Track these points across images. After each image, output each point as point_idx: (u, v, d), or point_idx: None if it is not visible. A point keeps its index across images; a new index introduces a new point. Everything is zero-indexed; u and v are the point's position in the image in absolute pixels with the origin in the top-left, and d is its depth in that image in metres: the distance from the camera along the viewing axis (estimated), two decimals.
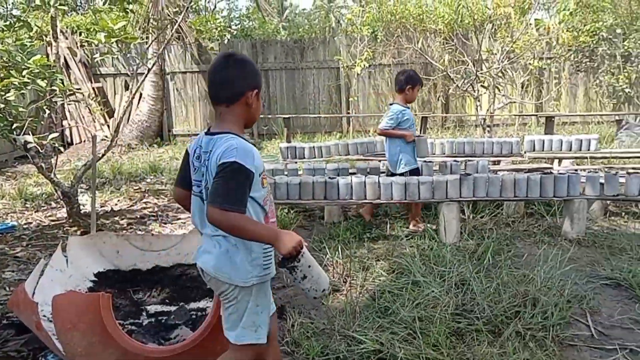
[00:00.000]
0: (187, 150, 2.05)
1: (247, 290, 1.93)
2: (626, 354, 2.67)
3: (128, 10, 5.49)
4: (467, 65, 10.24)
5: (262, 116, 11.12)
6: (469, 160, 5.44)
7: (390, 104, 4.82)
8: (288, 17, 32.19)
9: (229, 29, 12.09)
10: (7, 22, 4.88)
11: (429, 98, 11.69)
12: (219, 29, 11.58)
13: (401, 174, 4.68)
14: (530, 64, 10.13)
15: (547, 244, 4.27)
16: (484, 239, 4.16)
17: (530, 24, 10.23)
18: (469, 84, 9.66)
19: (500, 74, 9.60)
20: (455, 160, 5.31)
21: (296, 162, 6.04)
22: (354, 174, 5.14)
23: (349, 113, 11.70)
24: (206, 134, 1.96)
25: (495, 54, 10.09)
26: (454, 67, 10.77)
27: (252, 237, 1.82)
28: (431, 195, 4.47)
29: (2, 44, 4.76)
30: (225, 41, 11.87)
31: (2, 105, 4.54)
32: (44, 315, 2.71)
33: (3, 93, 4.43)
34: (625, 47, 10.34)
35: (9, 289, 3.71)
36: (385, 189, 4.53)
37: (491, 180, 4.51)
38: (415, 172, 4.76)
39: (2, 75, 4.47)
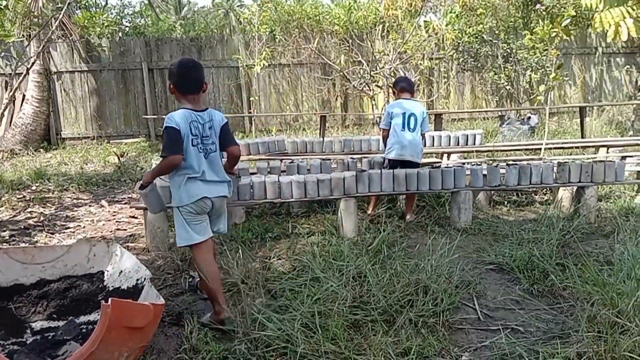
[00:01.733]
0: (177, 128, 2.87)
1: None
2: (508, 332, 2.90)
3: (1, 5, 5.07)
4: (363, 66, 10.59)
5: (156, 117, 10.74)
6: (365, 157, 5.62)
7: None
8: (186, 15, 31.33)
9: (120, 26, 11.52)
10: None
11: (329, 97, 11.92)
12: (107, 25, 11.00)
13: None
14: (420, 64, 10.67)
15: (438, 233, 4.53)
16: (379, 232, 4.31)
17: (420, 26, 10.77)
18: (364, 84, 9.99)
19: (393, 74, 10.01)
20: (352, 158, 5.47)
21: None
22: (254, 173, 5.13)
23: (250, 112, 11.63)
24: (196, 112, 2.99)
25: (388, 54, 10.53)
26: (350, 68, 11.07)
27: None
28: (330, 192, 4.57)
29: None
30: (117, 39, 11.32)
31: None
32: None
33: None
34: (504, 48, 11.21)
35: None
36: (286, 188, 4.56)
37: (385, 175, 4.70)
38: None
39: None
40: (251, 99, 11.65)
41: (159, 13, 16.69)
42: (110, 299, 2.25)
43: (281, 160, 6.17)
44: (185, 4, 34.16)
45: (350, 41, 11.37)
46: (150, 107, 11.21)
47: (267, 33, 11.52)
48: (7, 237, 4.81)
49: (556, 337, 2.81)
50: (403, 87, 5.06)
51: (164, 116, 10.71)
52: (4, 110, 5.49)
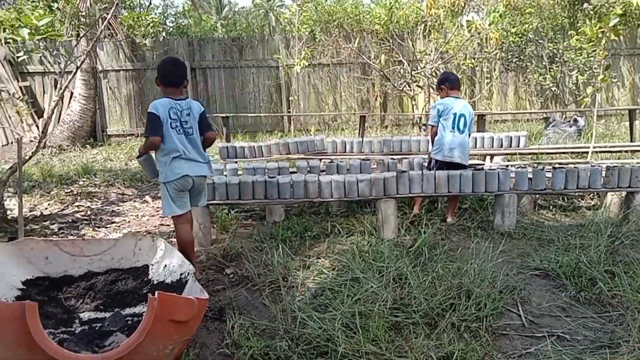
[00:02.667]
0: (156, 114, 3.43)
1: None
2: (554, 340, 2.82)
3: (53, 7, 5.25)
4: (403, 66, 10.51)
5: None
6: (405, 158, 5.57)
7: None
8: (227, 15, 31.79)
9: (164, 26, 11.78)
10: None
11: (368, 97, 11.88)
12: (152, 25, 11.25)
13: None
14: (463, 63, 10.50)
15: (480, 237, 4.44)
16: (420, 234, 4.27)
17: (462, 25, 10.60)
18: (404, 84, 9.91)
19: (434, 74, 9.89)
20: (392, 158, 5.43)
21: (236, 162, 5.98)
22: (294, 172, 5.16)
23: (289, 112, 11.70)
24: (175, 100, 3.54)
25: (429, 54, 10.41)
26: (390, 67, 11.00)
27: None
28: (369, 192, 4.55)
29: None
30: (161, 39, 11.57)
31: None
32: None
33: None
34: (550, 48, 10.92)
35: None
36: (325, 188, 4.57)
37: (426, 177, 4.64)
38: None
39: None
40: (290, 98, 11.72)
41: (201, 13, 16.97)
42: (156, 292, 2.29)
43: (320, 159, 6.19)
44: (226, 4, 34.67)
45: (390, 41, 11.29)
46: None
47: (307, 33, 11.56)
48: (56, 230, 4.98)
49: (605, 347, 2.72)
50: (453, 85, 4.93)
51: (207, 115, 10.94)
52: (54, 107, 5.68)
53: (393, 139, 6.56)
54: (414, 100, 10.31)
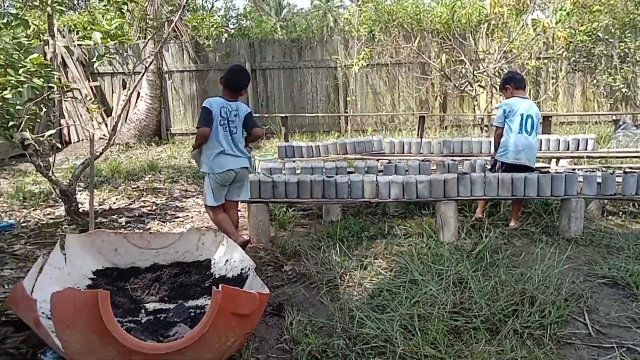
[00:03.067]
0: (209, 109, 3.88)
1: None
2: (623, 352, 2.69)
3: (123, 10, 5.49)
4: (465, 65, 10.29)
5: (258, 115, 11.16)
6: (466, 159, 5.45)
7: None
8: (286, 16, 32.22)
9: (226, 28, 12.08)
10: (5, 20, 4.86)
11: (427, 97, 11.71)
12: (215, 26, 11.56)
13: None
14: (527, 63, 10.16)
15: (545, 242, 4.29)
16: (481, 238, 4.17)
17: (527, 24, 10.26)
18: (466, 84, 9.70)
19: (497, 74, 9.63)
20: (452, 160, 5.33)
21: (294, 161, 6.05)
22: (352, 172, 5.16)
23: (346, 112, 11.71)
24: (228, 101, 3.98)
25: (492, 53, 10.13)
26: (451, 67, 10.80)
27: None
28: (429, 194, 4.49)
29: None
30: (223, 40, 11.86)
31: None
32: (43, 313, 2.70)
33: (0, 91, 4.42)
34: (622, 47, 10.38)
35: (8, 287, 3.71)
36: (383, 188, 4.54)
37: (488, 179, 4.53)
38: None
39: None
40: (348, 98, 11.73)
41: (261, 15, 17.28)
42: (220, 286, 2.36)
43: (378, 160, 6.16)
44: (285, 6, 35.14)
45: (452, 40, 11.08)
46: (252, 106, 11.62)
47: (367, 33, 11.53)
48: (124, 223, 5.21)
49: None
50: (518, 85, 4.78)
51: (265, 115, 11.12)
52: (124, 106, 5.95)
53: (453, 139, 6.43)
54: (476, 100, 10.06)
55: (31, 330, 2.80)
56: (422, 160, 5.29)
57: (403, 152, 6.53)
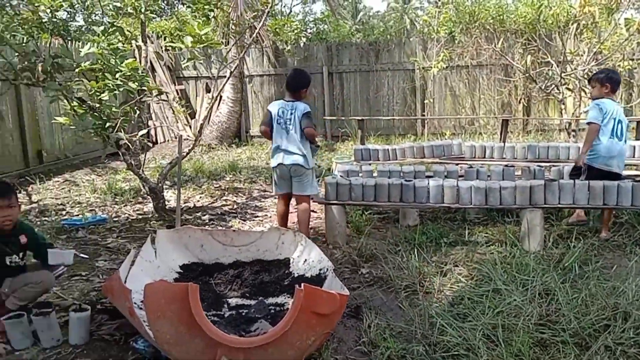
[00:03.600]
0: (268, 109, 4.50)
1: (310, 170, 4.43)
2: None
3: (209, 16, 5.73)
4: (551, 67, 9.82)
5: (334, 118, 11.23)
6: (554, 166, 5.20)
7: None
8: (362, 19, 32.23)
9: (305, 33, 12.25)
10: (102, 28, 5.22)
11: (510, 101, 11.28)
12: (295, 31, 11.76)
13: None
14: (619, 65, 9.53)
15: (639, 256, 4.00)
16: (569, 248, 3.96)
17: (619, 24, 9.63)
18: (552, 86, 9.26)
19: (586, 76, 9.11)
20: (539, 165, 5.10)
21: (370, 164, 6.03)
22: (430, 176, 5.07)
23: (423, 115, 11.52)
24: (286, 101, 4.40)
25: (581, 55, 9.60)
26: (536, 69, 10.35)
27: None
28: (513, 200, 4.32)
29: (97, 47, 5.11)
30: (301, 44, 12.05)
31: (97, 105, 4.86)
32: (135, 303, 2.87)
33: (98, 94, 4.75)
34: None
35: (102, 277, 3.97)
36: (465, 194, 4.42)
37: (578, 186, 4.29)
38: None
39: (97, 77, 4.79)
40: (425, 101, 11.53)
41: (337, 19, 17.38)
42: (302, 284, 2.40)
43: (457, 164, 6.02)
44: (361, 9, 35.15)
45: (537, 41, 10.62)
46: (328, 109, 11.73)
47: (446, 34, 11.30)
48: (207, 221, 5.43)
49: None
50: (615, 87, 4.52)
51: (342, 117, 11.15)
52: (210, 109, 6.20)
53: (539, 144, 6.15)
54: (563, 104, 9.58)
55: (124, 318, 2.98)
56: (506, 166, 5.10)
57: (484, 157, 6.33)
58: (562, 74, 9.14)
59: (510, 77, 11.09)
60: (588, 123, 4.50)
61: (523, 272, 3.50)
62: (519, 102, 11.21)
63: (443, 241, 4.43)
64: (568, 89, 9.42)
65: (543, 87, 9.73)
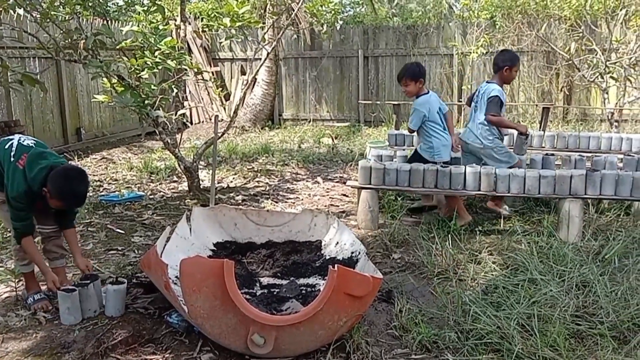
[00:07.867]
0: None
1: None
2: None
3: None
4: (595, 55, 9.47)
5: (369, 102, 11.11)
6: (596, 156, 5.04)
7: (488, 82, 4.57)
8: (398, 3, 31.67)
9: (341, 15, 12.11)
10: (144, 7, 5.27)
11: (550, 89, 10.96)
12: (332, 13, 11.62)
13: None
14: None
15: None
16: (609, 240, 3.85)
17: None
18: (596, 75, 8.94)
19: (633, 65, 8.76)
20: (580, 155, 4.95)
21: (404, 150, 5.96)
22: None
23: (460, 101, 11.31)
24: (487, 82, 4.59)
25: (629, 43, 9.22)
26: (580, 56, 10.00)
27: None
28: (552, 190, 4.21)
29: (138, 26, 5.16)
30: (338, 27, 11.94)
31: (137, 83, 4.94)
32: (170, 278, 2.93)
33: (138, 71, 4.82)
34: None
35: (138, 252, 4.07)
36: (502, 182, 4.33)
37: (621, 178, 4.15)
38: None
39: (136, 55, 4.86)
40: (463, 87, 11.31)
41: (373, 2, 17.09)
42: (336, 265, 2.40)
43: None
44: None
45: (582, 27, 10.25)
46: (362, 93, 11.63)
47: (487, 19, 11.01)
48: (240, 201, 5.48)
49: None
50: None
51: (377, 102, 11.03)
52: (245, 90, 6.22)
53: (580, 134, 5.96)
54: (606, 93, 9.25)
55: (159, 292, 3.04)
56: (546, 154, 4.97)
57: None
58: (607, 63, 8.80)
59: (552, 64, 10.76)
60: None
61: (560, 262, 3.43)
62: (560, 90, 10.88)
63: (478, 229, 4.36)
64: (612, 77, 9.07)
65: (586, 76, 9.41)
